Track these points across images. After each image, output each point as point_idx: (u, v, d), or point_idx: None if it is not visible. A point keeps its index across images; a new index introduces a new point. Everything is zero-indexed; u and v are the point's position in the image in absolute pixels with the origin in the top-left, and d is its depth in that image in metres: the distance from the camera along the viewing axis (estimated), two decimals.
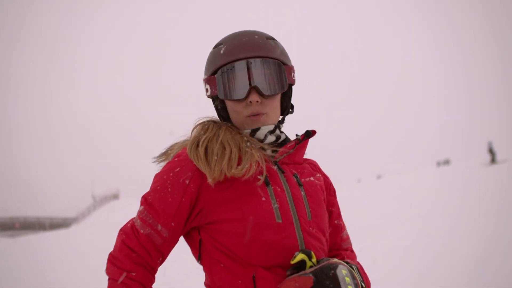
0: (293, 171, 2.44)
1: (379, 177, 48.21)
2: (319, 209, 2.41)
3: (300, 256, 2.17)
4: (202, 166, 2.27)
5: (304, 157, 2.60)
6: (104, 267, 2.30)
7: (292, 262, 2.18)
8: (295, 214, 2.31)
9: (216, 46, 2.45)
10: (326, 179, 2.66)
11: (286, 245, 2.25)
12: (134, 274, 2.21)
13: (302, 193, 2.38)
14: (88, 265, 15.10)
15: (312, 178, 2.48)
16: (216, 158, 2.27)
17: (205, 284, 2.37)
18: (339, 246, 2.61)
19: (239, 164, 2.29)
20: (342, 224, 2.65)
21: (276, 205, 2.28)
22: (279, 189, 2.33)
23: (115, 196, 68.33)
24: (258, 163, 2.32)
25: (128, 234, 2.28)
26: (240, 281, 2.24)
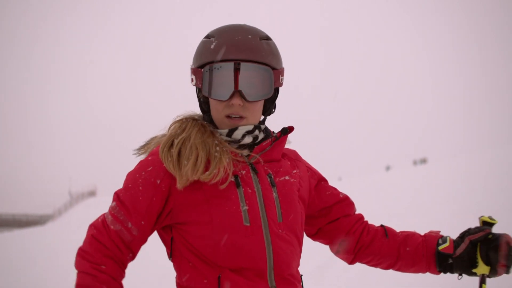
0: (268, 170, 2.41)
1: (388, 168, 48.49)
2: (292, 210, 2.39)
3: (488, 219, 2.55)
4: (172, 170, 2.27)
5: (287, 146, 2.58)
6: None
7: (491, 220, 2.55)
8: (265, 217, 2.30)
9: (207, 37, 2.40)
10: (310, 170, 2.65)
11: (253, 248, 2.26)
12: (103, 267, 2.20)
13: (275, 194, 2.36)
14: (63, 262, 14.95)
15: (287, 177, 2.45)
16: (185, 162, 2.26)
17: (176, 281, 2.39)
18: (361, 215, 2.74)
19: (207, 168, 2.27)
20: (343, 193, 2.71)
21: (245, 208, 2.28)
22: (249, 191, 2.32)
23: (92, 193, 67.73)
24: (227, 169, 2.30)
25: (98, 228, 2.28)
26: (205, 281, 2.26)
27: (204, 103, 2.45)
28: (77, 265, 2.24)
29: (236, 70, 2.29)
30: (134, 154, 2.50)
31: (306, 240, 2.59)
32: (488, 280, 2.51)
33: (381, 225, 2.72)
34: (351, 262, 2.70)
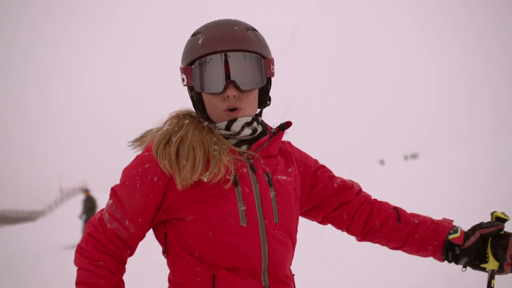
0: (266, 168, 2.38)
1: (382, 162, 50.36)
2: (288, 210, 2.38)
3: (502, 215, 2.50)
4: (169, 170, 2.22)
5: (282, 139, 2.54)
6: (71, 259, 2.30)
7: (504, 216, 2.49)
8: (261, 217, 2.28)
9: (194, 35, 2.36)
10: (303, 164, 2.60)
11: (248, 249, 2.24)
12: (101, 262, 2.21)
13: (272, 193, 2.34)
14: (54, 258, 14.94)
15: (284, 177, 2.43)
16: (184, 163, 2.22)
17: (168, 278, 2.37)
18: (364, 195, 2.69)
19: (208, 167, 2.23)
20: (340, 178, 2.67)
21: (242, 208, 2.25)
22: (247, 190, 2.29)
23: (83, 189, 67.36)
24: (227, 167, 2.25)
25: (96, 226, 2.28)
26: (199, 279, 2.24)
27: (198, 101, 2.39)
28: (76, 262, 2.26)
29: (227, 61, 2.25)
30: (129, 146, 2.47)
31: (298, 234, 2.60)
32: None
33: (395, 208, 2.66)
34: (359, 240, 2.72)
